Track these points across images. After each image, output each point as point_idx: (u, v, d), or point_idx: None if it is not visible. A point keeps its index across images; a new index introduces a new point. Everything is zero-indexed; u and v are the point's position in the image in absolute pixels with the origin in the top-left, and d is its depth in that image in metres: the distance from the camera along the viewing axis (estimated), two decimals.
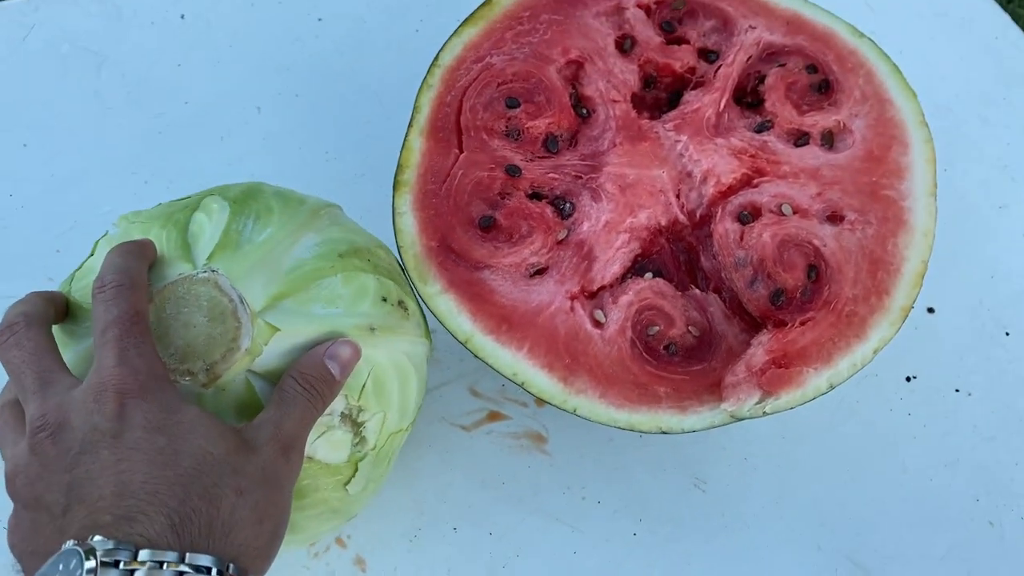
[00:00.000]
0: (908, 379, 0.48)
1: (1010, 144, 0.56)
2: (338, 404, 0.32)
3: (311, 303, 0.32)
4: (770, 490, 0.44)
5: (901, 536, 0.43)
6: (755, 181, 0.39)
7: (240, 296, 0.31)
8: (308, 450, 0.31)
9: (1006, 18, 0.62)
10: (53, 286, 0.44)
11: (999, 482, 0.45)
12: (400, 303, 0.35)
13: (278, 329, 0.31)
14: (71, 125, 0.52)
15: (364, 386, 0.33)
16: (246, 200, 0.34)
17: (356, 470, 0.33)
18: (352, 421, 0.33)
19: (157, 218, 0.34)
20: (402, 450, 0.41)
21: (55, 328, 0.32)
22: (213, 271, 0.31)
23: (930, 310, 0.51)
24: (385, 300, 0.34)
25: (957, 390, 0.48)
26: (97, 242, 0.35)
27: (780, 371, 0.35)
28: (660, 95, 0.43)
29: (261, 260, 0.32)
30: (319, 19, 0.57)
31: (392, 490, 0.42)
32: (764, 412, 0.36)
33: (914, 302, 0.37)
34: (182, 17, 0.57)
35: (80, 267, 0.34)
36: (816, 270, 0.37)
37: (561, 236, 0.39)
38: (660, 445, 0.44)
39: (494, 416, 0.45)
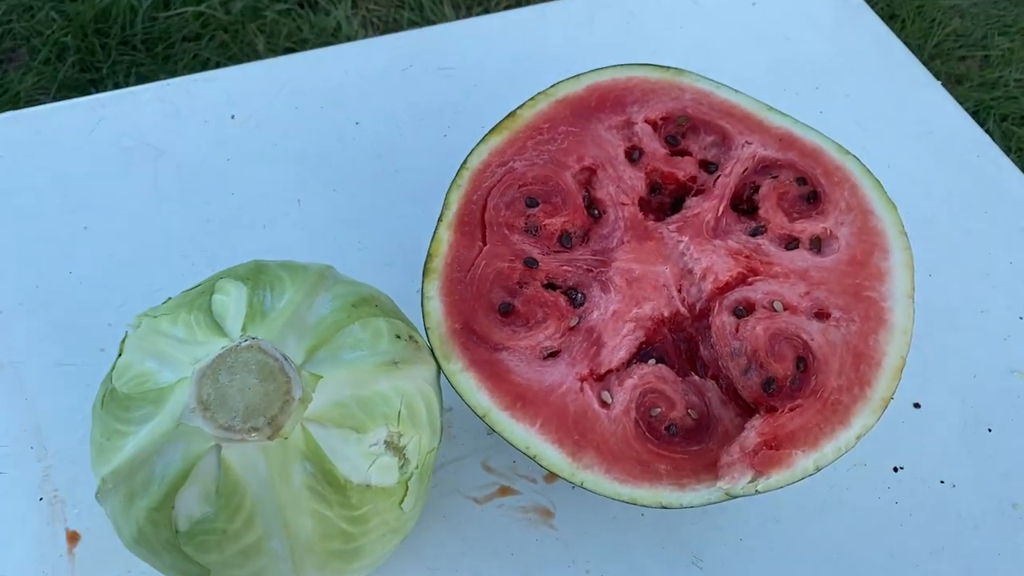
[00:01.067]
0: (896, 469, 0.51)
1: (990, 254, 0.60)
2: (381, 434, 0.36)
3: (339, 351, 0.37)
4: (764, 570, 0.46)
5: None
6: (749, 279, 0.43)
7: (283, 354, 0.35)
8: (364, 479, 0.35)
9: (986, 137, 0.67)
10: (105, 356, 0.48)
11: (982, 569, 0.47)
12: (411, 338, 0.39)
13: (321, 376, 0.35)
14: (129, 211, 0.57)
15: (400, 414, 0.37)
16: (257, 276, 0.39)
17: (407, 489, 0.37)
18: (395, 447, 0.37)
19: (180, 307, 0.38)
20: (417, 519, 0.44)
21: (104, 415, 0.36)
22: (253, 338, 0.35)
23: (916, 405, 0.54)
24: (399, 337, 0.38)
25: (942, 481, 0.51)
26: (123, 341, 0.38)
27: (771, 452, 0.39)
28: (664, 200, 0.48)
29: (288, 322, 0.37)
30: (356, 123, 0.63)
31: (404, 558, 0.45)
32: (756, 490, 0.39)
33: (893, 393, 0.41)
34: (232, 117, 0.62)
35: (114, 367, 0.38)
36: (804, 362, 0.41)
37: (573, 323, 0.43)
38: (660, 525, 0.47)
39: (504, 491, 0.48)
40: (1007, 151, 1.61)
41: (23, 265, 0.54)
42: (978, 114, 1.67)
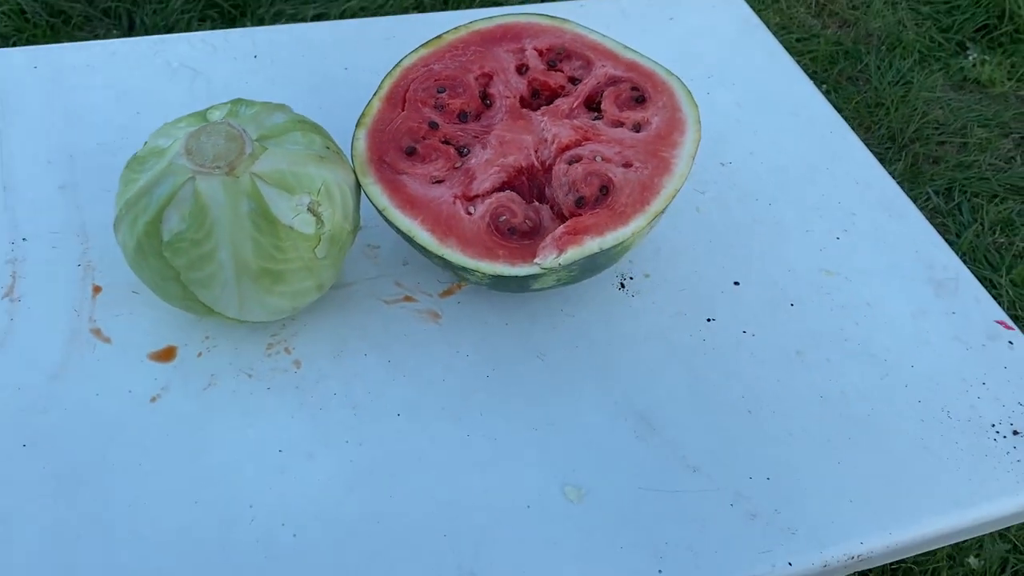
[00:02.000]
0: (708, 320, 0.67)
1: (823, 195, 0.77)
2: (304, 200, 0.54)
3: (283, 142, 0.55)
4: (593, 367, 0.62)
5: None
6: (583, 143, 0.61)
7: (243, 128, 0.54)
8: (289, 223, 0.53)
9: (839, 118, 0.85)
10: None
11: (763, 392, 0.63)
12: (337, 153, 0.58)
13: (266, 148, 0.54)
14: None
15: (319, 190, 0.55)
16: (238, 100, 0.58)
17: (319, 241, 0.55)
18: (314, 212, 0.55)
19: (184, 116, 0.58)
20: (340, 307, 0.62)
21: (125, 172, 0.56)
22: (226, 120, 0.55)
23: (736, 283, 0.70)
24: (328, 148, 0.57)
25: (744, 331, 0.67)
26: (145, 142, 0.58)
27: (570, 237, 0.56)
28: (541, 102, 0.66)
29: (251, 119, 0.56)
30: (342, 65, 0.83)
31: (329, 329, 0.62)
32: (559, 264, 0.56)
33: (663, 209, 0.58)
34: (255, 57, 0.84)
35: (137, 152, 0.57)
36: (607, 188, 0.58)
37: (457, 165, 0.61)
38: (517, 329, 0.64)
39: (408, 299, 0.65)
40: (972, 222, 1.76)
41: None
42: (950, 191, 1.83)
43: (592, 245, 0.56)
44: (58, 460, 0.55)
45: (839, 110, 1.95)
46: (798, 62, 2.13)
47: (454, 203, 0.60)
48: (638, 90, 0.65)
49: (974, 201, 1.80)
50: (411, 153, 0.62)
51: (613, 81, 0.65)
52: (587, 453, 0.59)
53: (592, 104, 0.65)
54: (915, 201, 1.78)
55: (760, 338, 0.67)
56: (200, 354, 0.60)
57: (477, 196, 0.60)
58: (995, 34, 2.20)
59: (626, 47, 0.68)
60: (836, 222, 0.75)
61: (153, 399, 0.58)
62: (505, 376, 0.62)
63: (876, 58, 2.10)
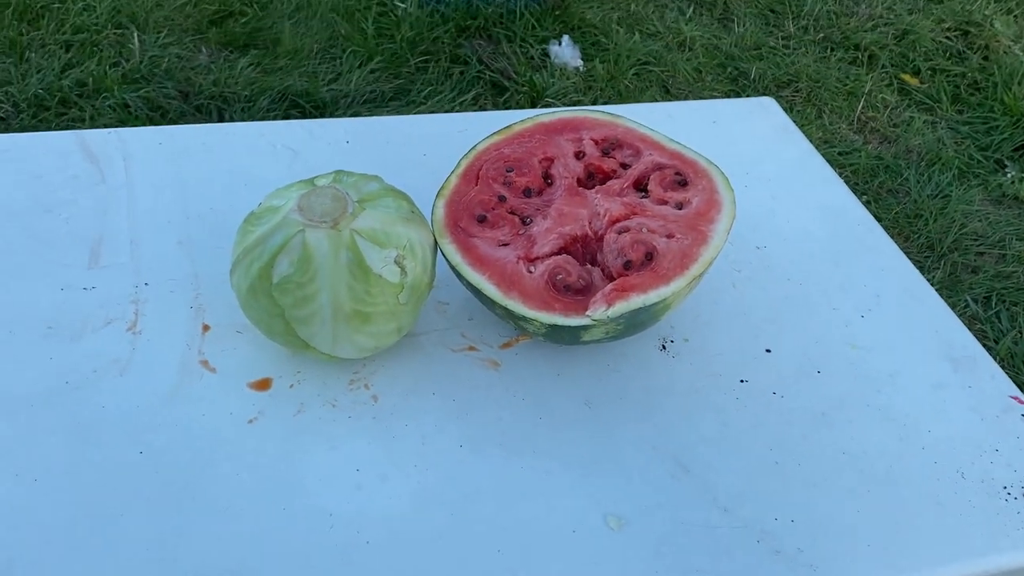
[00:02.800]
0: (742, 381, 0.74)
1: (852, 279, 0.85)
2: (392, 253, 0.64)
3: (377, 205, 0.66)
4: (638, 412, 0.70)
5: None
6: (631, 217, 0.71)
7: (347, 192, 0.64)
8: (379, 272, 0.63)
9: (866, 213, 0.93)
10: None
11: (792, 447, 0.70)
12: (419, 215, 0.67)
13: (364, 208, 0.64)
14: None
15: (405, 246, 0.64)
16: (339, 171, 0.69)
17: (402, 288, 0.64)
18: (399, 264, 0.64)
19: (295, 183, 0.69)
20: (413, 353, 0.71)
21: (243, 226, 0.66)
22: (332, 184, 0.65)
23: (768, 350, 0.77)
24: (412, 212, 0.67)
25: (774, 393, 0.74)
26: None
27: (617, 293, 0.64)
28: (596, 183, 0.76)
29: (352, 185, 0.67)
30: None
31: (403, 371, 0.71)
32: (608, 316, 0.64)
33: (700, 274, 0.66)
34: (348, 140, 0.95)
35: (252, 211, 0.68)
36: (651, 255, 0.67)
37: (521, 232, 0.71)
38: (566, 378, 0.72)
39: (471, 348, 0.74)
40: (1010, 329, 1.80)
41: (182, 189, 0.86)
42: (988, 299, 1.88)
43: (637, 301, 0.65)
44: (168, 469, 0.63)
45: (878, 219, 2.04)
46: (839, 173, 2.24)
47: (517, 263, 0.69)
48: (681, 175, 0.74)
49: (1013, 310, 1.84)
50: (482, 220, 0.71)
51: (659, 167, 0.75)
52: (627, 488, 0.65)
53: (640, 186, 0.75)
54: (953, 308, 1.84)
55: (788, 400, 0.73)
56: (292, 385, 0.69)
57: (537, 258, 0.69)
58: None
59: (671, 139, 0.78)
60: (861, 302, 0.83)
61: (250, 421, 0.66)
62: (555, 420, 0.69)
63: (915, 172, 2.19)
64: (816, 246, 0.88)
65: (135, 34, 2.17)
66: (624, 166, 0.76)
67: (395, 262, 0.65)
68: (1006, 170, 2.25)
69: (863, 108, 2.40)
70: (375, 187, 0.69)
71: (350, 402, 0.69)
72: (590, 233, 0.71)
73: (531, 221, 0.72)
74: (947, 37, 2.73)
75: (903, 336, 0.80)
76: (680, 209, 0.72)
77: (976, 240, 2.02)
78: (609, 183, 0.75)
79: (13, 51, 2.07)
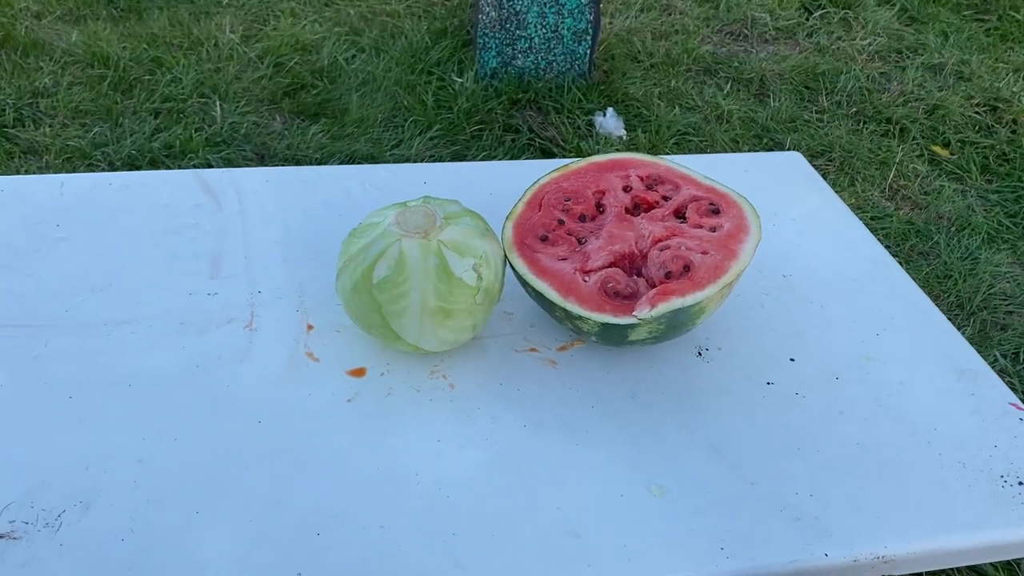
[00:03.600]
0: (768, 383, 0.85)
1: (871, 308, 0.96)
2: (471, 261, 0.77)
3: (459, 222, 0.79)
4: (678, 405, 0.81)
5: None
6: (671, 237, 0.83)
7: (435, 210, 0.78)
8: (460, 276, 0.76)
9: (887, 255, 1.04)
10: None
11: (816, 445, 0.80)
12: (493, 233, 0.81)
13: (449, 224, 0.78)
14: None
15: (482, 256, 0.78)
16: (427, 197, 0.83)
17: (478, 291, 0.77)
18: (476, 271, 0.77)
19: (390, 206, 0.83)
20: (484, 352, 0.83)
21: (347, 239, 0.80)
22: (426, 204, 0.79)
23: (792, 359, 0.88)
24: (487, 230, 0.80)
25: (796, 393, 0.84)
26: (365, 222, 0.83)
27: (659, 297, 0.77)
28: (641, 212, 0.89)
29: (438, 206, 0.80)
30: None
31: (475, 366, 0.83)
32: (651, 315, 0.76)
33: (731, 282, 0.78)
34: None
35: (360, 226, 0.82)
36: (688, 267, 0.80)
37: (577, 249, 0.84)
38: (614, 371, 0.84)
39: (532, 349, 0.86)
40: None
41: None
42: (1017, 355, 1.95)
43: (676, 302, 0.77)
44: (282, 435, 0.76)
45: None
46: None
47: (575, 273, 0.82)
48: (714, 204, 0.87)
49: None
50: (544, 239, 0.85)
51: (695, 198, 0.88)
52: (668, 464, 0.76)
53: (679, 214, 0.88)
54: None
55: (809, 399, 0.84)
56: (383, 373, 0.82)
57: (591, 270, 0.82)
58: None
59: (706, 177, 0.91)
60: (876, 322, 0.94)
61: (349, 400, 0.79)
62: (605, 408, 0.81)
63: (945, 236, 2.29)
64: (836, 275, 1.00)
65: (217, 103, 2.38)
66: (665, 198, 0.89)
67: (473, 268, 0.78)
68: None
69: (894, 177, 2.52)
70: (456, 208, 0.82)
71: (431, 388, 0.81)
72: (636, 251, 0.84)
73: (586, 241, 0.85)
74: (976, 112, 2.85)
75: (913, 351, 0.91)
76: (713, 232, 0.84)
77: (1005, 300, 2.10)
78: (653, 211, 0.87)
79: (109, 117, 2.29)
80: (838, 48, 3.18)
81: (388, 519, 0.70)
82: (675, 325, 0.80)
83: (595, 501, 0.73)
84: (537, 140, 2.45)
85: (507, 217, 0.87)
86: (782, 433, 0.80)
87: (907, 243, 2.27)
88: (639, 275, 0.83)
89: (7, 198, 0.97)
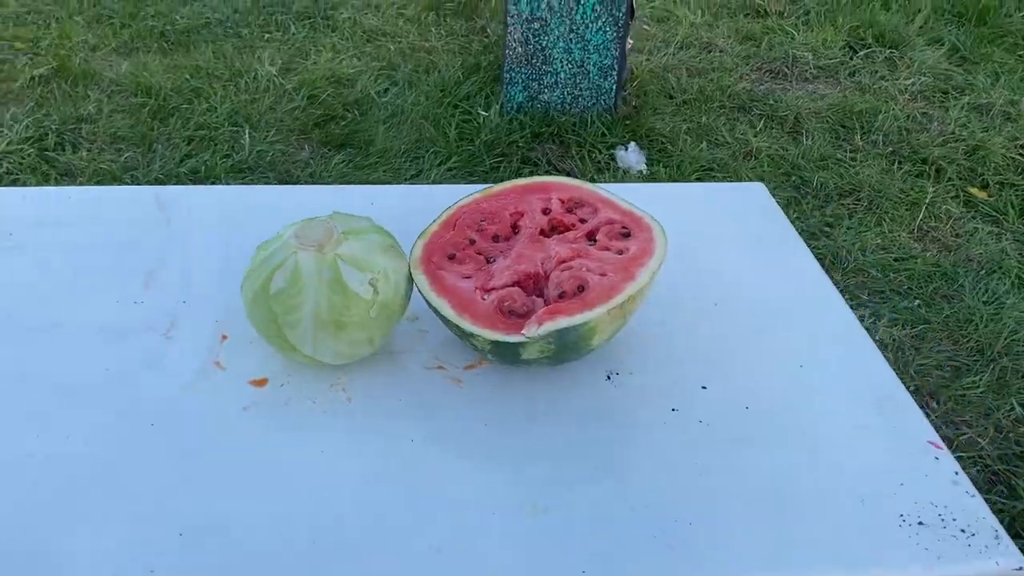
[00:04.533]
0: (672, 409, 0.84)
1: (803, 337, 0.94)
2: (367, 276, 0.78)
3: (362, 237, 0.81)
4: (576, 428, 0.81)
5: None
6: (575, 259, 0.83)
7: (335, 225, 0.80)
8: (355, 291, 0.77)
9: (828, 285, 1.02)
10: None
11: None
12: (398, 251, 0.82)
13: (347, 238, 0.79)
14: None
15: (381, 272, 0.79)
16: (336, 213, 0.85)
17: (373, 304, 0.78)
18: (373, 285, 0.79)
19: (303, 220, 0.85)
20: (389, 367, 0.84)
21: (254, 255, 0.83)
22: (325, 218, 0.81)
23: (703, 387, 0.87)
24: (391, 247, 0.82)
25: (700, 421, 0.83)
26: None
27: (547, 316, 0.77)
28: (558, 233, 0.89)
29: (343, 220, 0.82)
30: None
31: (378, 380, 0.84)
32: (539, 334, 0.76)
33: (620, 304, 0.77)
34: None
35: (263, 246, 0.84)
36: (583, 287, 0.79)
37: (483, 268, 0.84)
38: (520, 397, 0.83)
39: (440, 367, 0.87)
40: None
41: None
42: None
43: (563, 322, 0.77)
44: (174, 442, 0.78)
45: (927, 322, 2.06)
46: (893, 279, 2.28)
47: (475, 291, 0.82)
48: (626, 228, 0.87)
49: None
50: (451, 258, 0.86)
51: (610, 222, 0.88)
52: (552, 485, 0.76)
53: (591, 237, 0.88)
54: (998, 410, 1.84)
55: (713, 427, 0.82)
56: (283, 384, 0.84)
57: (492, 288, 0.83)
58: None
59: (627, 201, 0.91)
60: (802, 355, 0.91)
61: (245, 408, 0.81)
62: (501, 427, 0.81)
63: (972, 280, 2.20)
64: (770, 306, 0.98)
65: (246, 131, 2.47)
66: (583, 221, 0.90)
67: (369, 283, 0.80)
68: None
69: (924, 217, 2.44)
70: (364, 224, 0.84)
71: (328, 400, 0.82)
72: (541, 272, 0.84)
73: (494, 260, 0.86)
74: (1020, 153, 2.75)
75: (835, 384, 0.88)
76: (620, 255, 0.84)
77: None
78: (565, 234, 0.88)
79: (144, 143, 2.40)
80: (880, 88, 3.13)
81: (254, 524, 0.71)
82: (566, 345, 0.79)
83: (467, 518, 0.73)
84: (554, 172, 2.47)
85: (419, 236, 0.88)
86: (676, 460, 0.79)
87: (930, 286, 2.20)
88: (540, 295, 0.83)
89: None
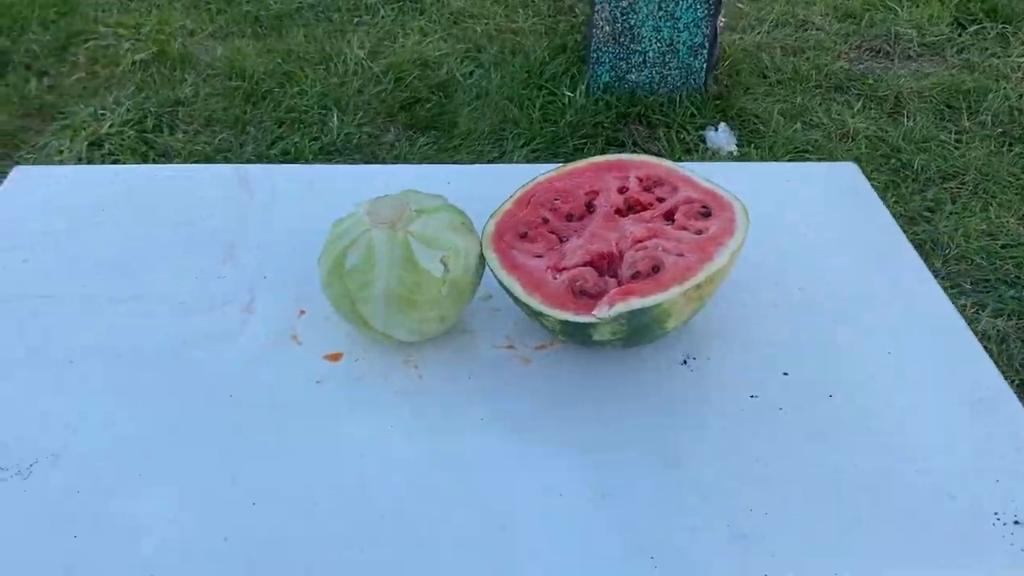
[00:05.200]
0: (751, 396, 0.81)
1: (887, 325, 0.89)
2: (439, 254, 0.78)
3: (434, 216, 0.80)
4: (647, 412, 0.79)
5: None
6: (651, 239, 0.81)
7: (407, 202, 0.80)
8: (426, 268, 0.77)
9: (923, 267, 0.96)
10: None
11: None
12: (471, 229, 0.81)
13: (419, 216, 0.79)
14: None
15: (452, 249, 0.79)
16: (409, 191, 0.84)
17: (444, 283, 0.78)
18: (444, 264, 0.78)
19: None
20: (461, 345, 0.84)
21: (328, 234, 0.83)
22: (397, 196, 0.81)
23: (785, 373, 0.83)
24: (463, 224, 0.81)
25: (780, 408, 0.79)
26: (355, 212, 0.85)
27: (619, 296, 0.75)
28: (634, 213, 0.87)
29: (416, 200, 0.82)
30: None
31: (449, 357, 0.84)
32: (610, 315, 0.74)
33: (698, 285, 0.75)
34: None
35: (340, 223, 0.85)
36: (658, 268, 0.77)
37: (555, 247, 0.83)
38: (590, 379, 0.82)
39: (510, 347, 0.86)
40: None
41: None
42: None
43: (635, 303, 0.75)
44: (248, 413, 0.79)
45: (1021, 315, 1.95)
46: (1000, 266, 2.16)
47: (546, 271, 0.81)
48: (706, 207, 0.84)
49: None
50: (523, 236, 0.84)
51: (689, 201, 0.85)
52: (618, 470, 0.74)
53: (669, 217, 0.85)
54: None
55: (792, 416, 0.79)
56: (357, 360, 0.84)
57: (564, 268, 0.81)
58: None
59: (708, 180, 0.87)
60: (890, 344, 0.86)
61: (318, 382, 0.82)
62: (568, 409, 0.79)
63: None
64: (858, 292, 0.93)
65: (335, 114, 2.51)
66: (661, 200, 0.87)
67: (441, 261, 0.79)
68: None
69: None
70: (436, 203, 0.84)
71: (400, 376, 0.82)
72: (615, 251, 0.82)
73: (567, 239, 0.84)
74: None
75: (926, 376, 0.83)
76: (699, 235, 0.81)
77: None
78: (642, 213, 0.85)
79: (236, 125, 2.47)
80: (990, 65, 2.96)
81: (322, 496, 0.72)
82: (639, 328, 0.77)
83: (531, 498, 0.72)
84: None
85: (492, 214, 0.87)
86: (752, 449, 0.76)
87: None
88: (614, 276, 0.81)
89: (68, 185, 1.07)
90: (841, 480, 0.73)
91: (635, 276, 0.78)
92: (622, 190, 0.89)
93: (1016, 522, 0.70)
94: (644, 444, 0.76)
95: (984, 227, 2.23)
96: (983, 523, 0.70)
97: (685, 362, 0.85)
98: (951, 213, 2.27)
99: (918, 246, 2.12)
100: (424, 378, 0.83)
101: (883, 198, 2.32)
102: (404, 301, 0.79)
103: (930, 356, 0.86)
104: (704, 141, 2.50)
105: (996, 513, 0.71)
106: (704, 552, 0.68)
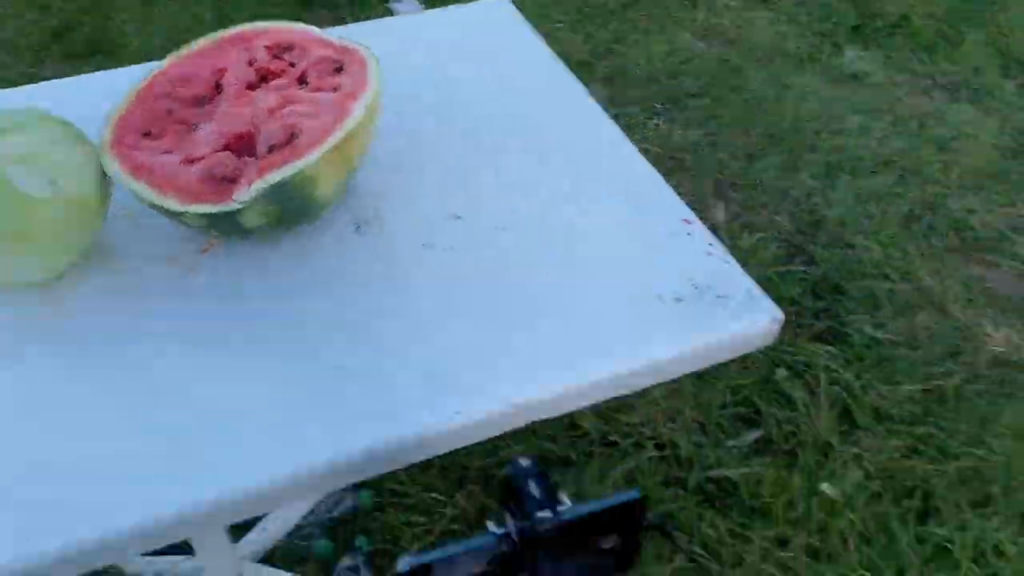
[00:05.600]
0: (423, 245, 0.79)
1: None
2: (44, 173, 0.68)
3: (27, 132, 0.70)
4: (323, 290, 0.75)
5: None
6: (285, 106, 0.75)
7: None
8: (30, 192, 0.67)
9: (614, 129, 0.98)
10: None
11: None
12: (80, 139, 0.73)
13: (8, 134, 0.68)
14: None
15: (58, 165, 0.69)
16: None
17: (60, 204, 0.69)
18: (53, 183, 0.68)
19: None
20: (108, 270, 0.75)
21: None
22: None
23: (457, 216, 0.82)
24: (68, 136, 0.73)
25: (451, 248, 0.78)
26: None
27: (256, 175, 0.69)
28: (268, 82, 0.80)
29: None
30: None
31: (101, 280, 0.75)
32: (251, 196, 0.69)
33: (337, 145, 0.71)
34: None
35: None
36: (294, 135, 0.72)
37: (186, 138, 0.75)
38: (262, 271, 0.76)
39: (170, 259, 0.78)
40: (845, 195, 1.87)
41: None
42: (827, 173, 1.94)
43: (274, 177, 0.70)
44: None
45: (717, 117, 2.10)
46: (681, 80, 2.29)
47: (179, 165, 0.73)
48: (338, 62, 0.79)
49: (845, 177, 1.91)
50: (147, 135, 0.76)
51: (321, 60, 0.80)
52: (304, 351, 0.70)
53: (304, 80, 0.79)
54: (792, 187, 1.91)
55: (468, 255, 0.78)
56: None
57: (199, 158, 0.74)
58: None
59: (344, 39, 0.82)
60: (565, 169, 0.87)
61: None
62: (245, 305, 0.74)
63: (755, 69, 2.25)
64: (522, 123, 0.93)
65: None
66: (293, 65, 0.81)
67: (48, 181, 0.69)
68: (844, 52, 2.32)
69: (705, 15, 2.45)
70: (25, 118, 0.72)
71: (47, 324, 0.73)
72: (253, 129, 0.76)
73: (198, 127, 0.76)
74: None
75: (594, 186, 0.85)
76: (336, 92, 0.76)
77: (811, 121, 2.08)
78: (274, 82, 0.79)
79: None
80: None
81: None
82: (289, 203, 0.72)
83: (223, 407, 0.67)
84: None
85: (106, 120, 0.77)
86: (430, 297, 0.75)
87: (719, 82, 2.23)
88: (254, 155, 0.75)
89: None
90: (525, 304, 0.74)
91: (272, 149, 0.72)
92: (252, 62, 0.81)
93: (677, 299, 0.74)
94: (327, 321, 0.73)
95: (665, 48, 2.35)
96: (650, 306, 0.74)
97: (358, 228, 0.81)
98: (635, 40, 2.37)
99: (608, 78, 2.21)
100: (78, 318, 0.74)
101: (573, 36, 2.36)
102: (12, 237, 0.69)
103: (593, 169, 0.87)
104: (391, 13, 2.42)
105: (659, 295, 0.74)
106: (399, 402, 0.66)
